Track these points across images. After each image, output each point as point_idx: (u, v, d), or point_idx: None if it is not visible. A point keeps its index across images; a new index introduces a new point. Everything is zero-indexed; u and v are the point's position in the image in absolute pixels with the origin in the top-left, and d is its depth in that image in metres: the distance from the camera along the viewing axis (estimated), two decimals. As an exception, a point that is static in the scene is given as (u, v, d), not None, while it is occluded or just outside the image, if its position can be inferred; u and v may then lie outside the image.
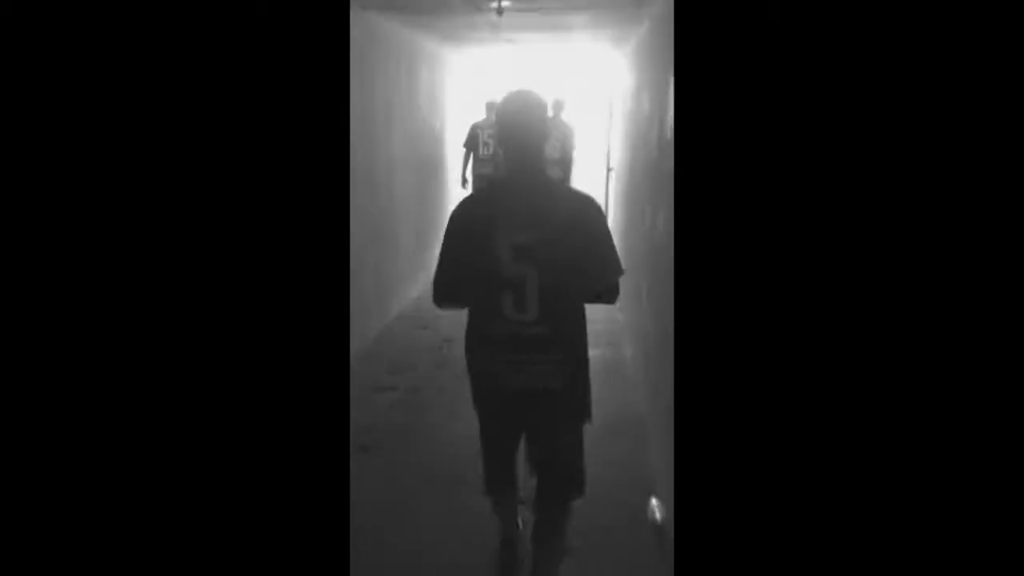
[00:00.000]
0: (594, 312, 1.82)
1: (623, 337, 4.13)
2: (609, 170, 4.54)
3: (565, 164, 5.50)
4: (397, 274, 4.68)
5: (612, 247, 1.71)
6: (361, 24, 3.61)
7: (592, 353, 1.85)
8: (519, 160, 1.71)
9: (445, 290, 1.76)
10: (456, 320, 2.06)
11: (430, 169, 5.70)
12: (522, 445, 1.94)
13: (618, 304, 1.93)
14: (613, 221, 4.48)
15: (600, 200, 4.56)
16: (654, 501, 2.41)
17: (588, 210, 1.70)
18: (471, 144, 6.15)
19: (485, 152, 6.05)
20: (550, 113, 1.82)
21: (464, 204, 1.80)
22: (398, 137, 4.46)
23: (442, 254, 1.77)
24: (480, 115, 6.33)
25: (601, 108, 5.63)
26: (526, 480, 2.00)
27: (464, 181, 6.23)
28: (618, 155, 4.30)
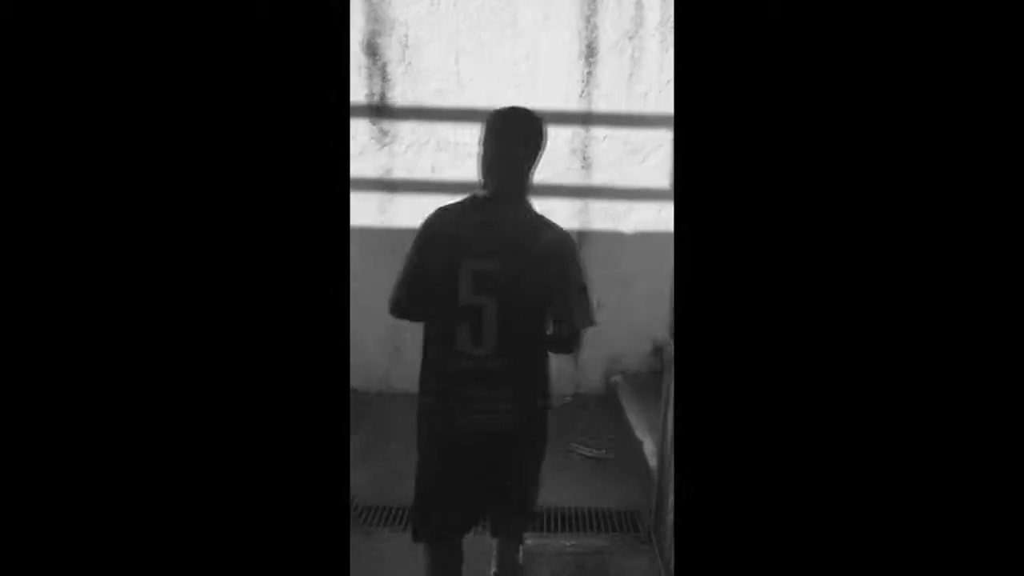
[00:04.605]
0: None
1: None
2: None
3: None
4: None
5: (583, 292, 1.60)
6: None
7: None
8: (499, 183, 1.60)
9: (400, 303, 1.64)
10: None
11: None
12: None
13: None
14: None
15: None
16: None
17: (563, 247, 1.60)
18: None
19: None
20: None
21: (437, 216, 1.65)
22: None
23: (405, 264, 1.64)
24: None
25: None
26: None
27: None
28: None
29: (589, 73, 3.33)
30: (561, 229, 1.61)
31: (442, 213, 1.64)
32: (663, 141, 3.38)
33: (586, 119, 3.36)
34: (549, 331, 1.62)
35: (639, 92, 3.34)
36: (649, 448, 2.79)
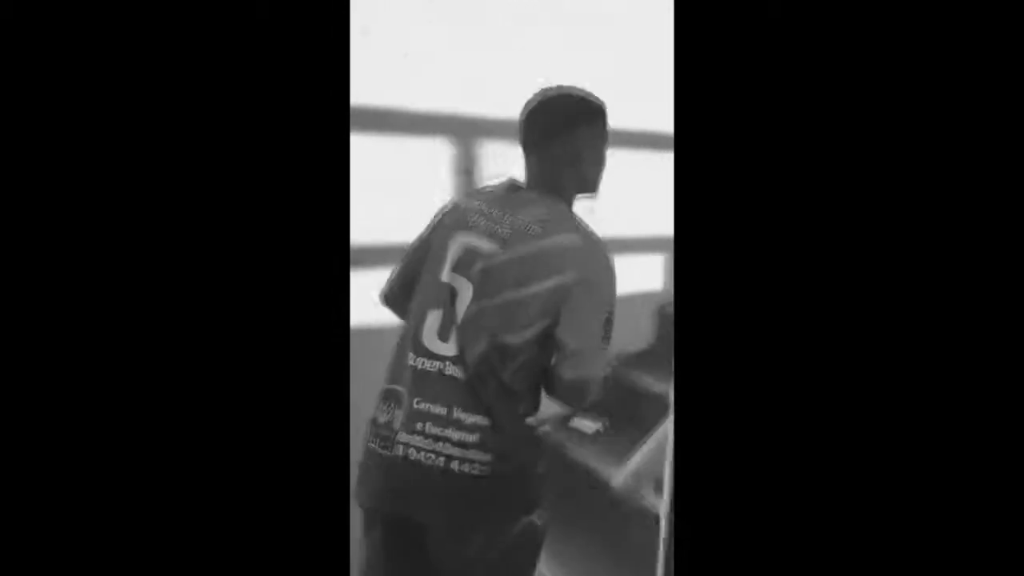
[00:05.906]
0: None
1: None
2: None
3: None
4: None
5: (599, 328, 1.23)
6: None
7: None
8: (533, 171, 1.35)
9: (392, 289, 1.40)
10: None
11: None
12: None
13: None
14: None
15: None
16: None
17: (587, 259, 1.25)
18: None
19: None
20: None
21: (460, 196, 1.42)
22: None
23: (410, 246, 1.40)
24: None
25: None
26: None
27: None
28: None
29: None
30: (597, 241, 1.29)
31: (468, 193, 1.43)
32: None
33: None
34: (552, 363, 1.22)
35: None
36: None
